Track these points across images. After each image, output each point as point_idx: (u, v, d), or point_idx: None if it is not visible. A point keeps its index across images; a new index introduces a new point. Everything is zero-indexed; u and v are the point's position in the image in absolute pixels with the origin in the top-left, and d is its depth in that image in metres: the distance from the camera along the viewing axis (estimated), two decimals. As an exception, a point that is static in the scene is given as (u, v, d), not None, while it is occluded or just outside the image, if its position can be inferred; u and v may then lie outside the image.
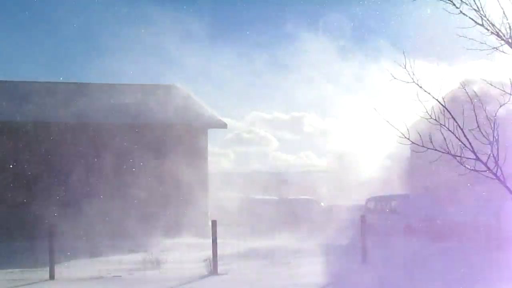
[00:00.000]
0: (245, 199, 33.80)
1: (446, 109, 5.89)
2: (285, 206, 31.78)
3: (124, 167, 25.03)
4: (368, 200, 28.15)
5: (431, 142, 6.14)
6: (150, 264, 16.15)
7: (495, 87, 6.37)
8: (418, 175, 29.47)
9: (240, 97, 65.38)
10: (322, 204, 33.76)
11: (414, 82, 5.92)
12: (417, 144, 6.30)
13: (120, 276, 14.92)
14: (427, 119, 5.96)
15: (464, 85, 6.52)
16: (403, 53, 5.91)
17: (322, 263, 16.56)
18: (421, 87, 5.91)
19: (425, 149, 6.18)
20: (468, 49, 6.31)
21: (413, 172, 29.76)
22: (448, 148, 5.96)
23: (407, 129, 6.13)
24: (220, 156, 56.73)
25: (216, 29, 51.48)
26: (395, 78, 5.96)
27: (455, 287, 12.34)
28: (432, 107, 6.05)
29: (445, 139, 5.90)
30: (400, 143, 6.21)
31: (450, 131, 5.86)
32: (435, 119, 5.87)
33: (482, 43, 6.30)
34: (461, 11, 6.05)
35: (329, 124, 62.83)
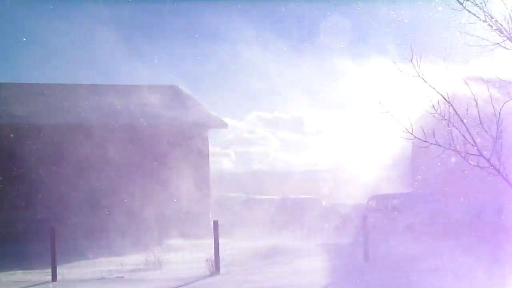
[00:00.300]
0: (246, 199, 33.77)
1: (451, 104, 5.87)
2: (286, 206, 31.71)
3: (125, 168, 25.00)
4: (370, 199, 28.09)
5: (434, 137, 6.11)
6: (152, 264, 16.14)
7: (492, 88, 6.35)
8: (420, 173, 29.44)
9: (241, 97, 65.40)
10: (324, 203, 33.68)
11: (419, 76, 5.90)
12: (420, 139, 6.28)
13: (123, 276, 14.91)
14: (432, 114, 5.95)
15: (467, 81, 6.51)
16: (410, 47, 5.91)
17: (324, 262, 16.54)
18: (426, 81, 5.89)
19: (428, 144, 6.16)
20: (471, 46, 6.30)
21: (415, 171, 29.71)
22: (451, 143, 5.95)
23: (411, 125, 6.12)
24: (221, 156, 56.64)
25: (217, 28, 51.41)
26: (401, 72, 5.95)
27: (457, 286, 12.31)
28: (437, 102, 6.03)
29: (448, 134, 5.88)
30: (404, 138, 6.18)
31: (455, 127, 5.84)
32: (440, 114, 5.85)
33: (484, 39, 6.29)
34: (465, 7, 6.04)
35: (330, 123, 62.70)
